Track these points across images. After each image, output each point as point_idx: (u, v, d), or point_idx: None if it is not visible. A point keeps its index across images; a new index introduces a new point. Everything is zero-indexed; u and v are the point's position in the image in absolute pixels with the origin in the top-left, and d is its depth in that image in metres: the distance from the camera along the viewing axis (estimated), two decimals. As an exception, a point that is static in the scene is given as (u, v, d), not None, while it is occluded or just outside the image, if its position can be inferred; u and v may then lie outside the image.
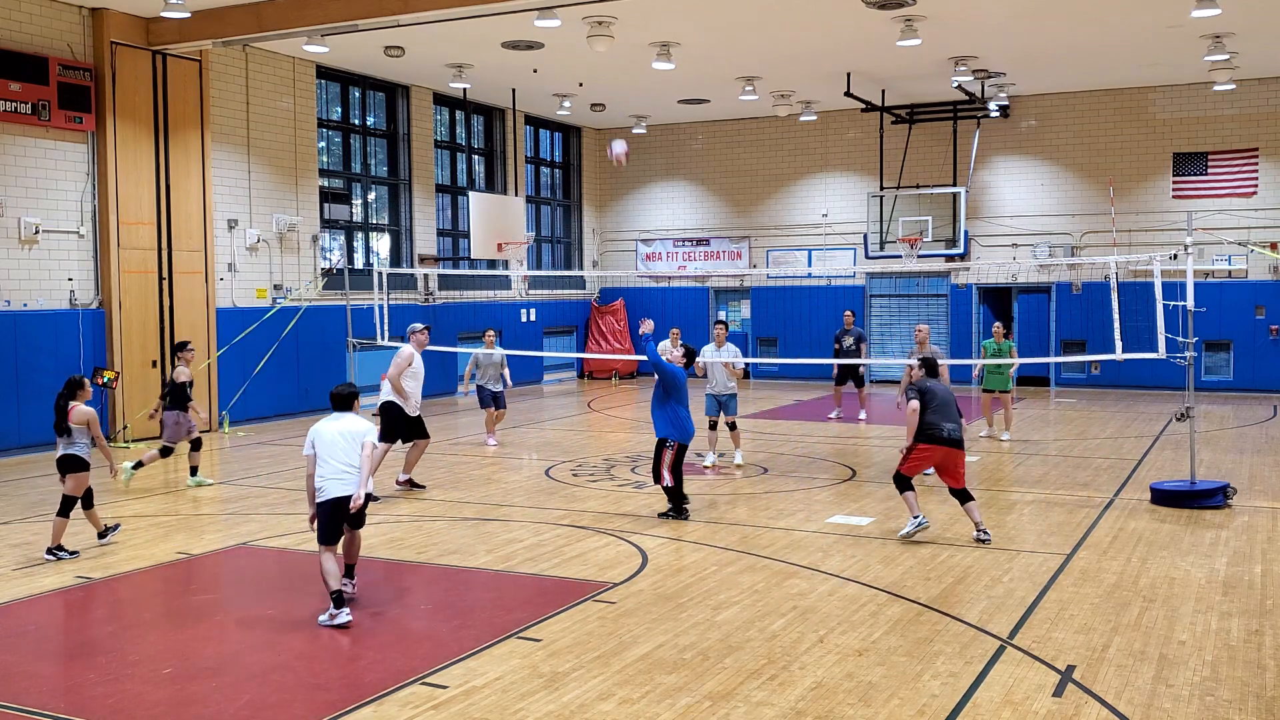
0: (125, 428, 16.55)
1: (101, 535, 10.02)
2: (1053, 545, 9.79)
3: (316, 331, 19.62)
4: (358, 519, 8.16)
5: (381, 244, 22.88)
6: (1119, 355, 13.12)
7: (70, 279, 16.13)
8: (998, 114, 23.62)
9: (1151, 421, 18.24)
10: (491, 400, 15.97)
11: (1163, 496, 11.42)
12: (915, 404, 10.03)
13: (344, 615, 7.66)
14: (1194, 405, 11.69)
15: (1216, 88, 21.54)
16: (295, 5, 15.62)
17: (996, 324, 16.57)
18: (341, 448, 7.97)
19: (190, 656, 7.03)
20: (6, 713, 6.10)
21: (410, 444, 12.69)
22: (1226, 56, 19.08)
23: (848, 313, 19.55)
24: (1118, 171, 23.43)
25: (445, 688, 6.38)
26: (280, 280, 19.43)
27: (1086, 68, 21.26)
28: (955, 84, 21.29)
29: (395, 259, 22.74)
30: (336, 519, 7.97)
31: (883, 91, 22.96)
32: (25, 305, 15.57)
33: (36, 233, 15.61)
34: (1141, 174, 23.30)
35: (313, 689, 6.41)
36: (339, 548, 8.15)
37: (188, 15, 15.28)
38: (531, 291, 26.10)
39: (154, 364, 17.07)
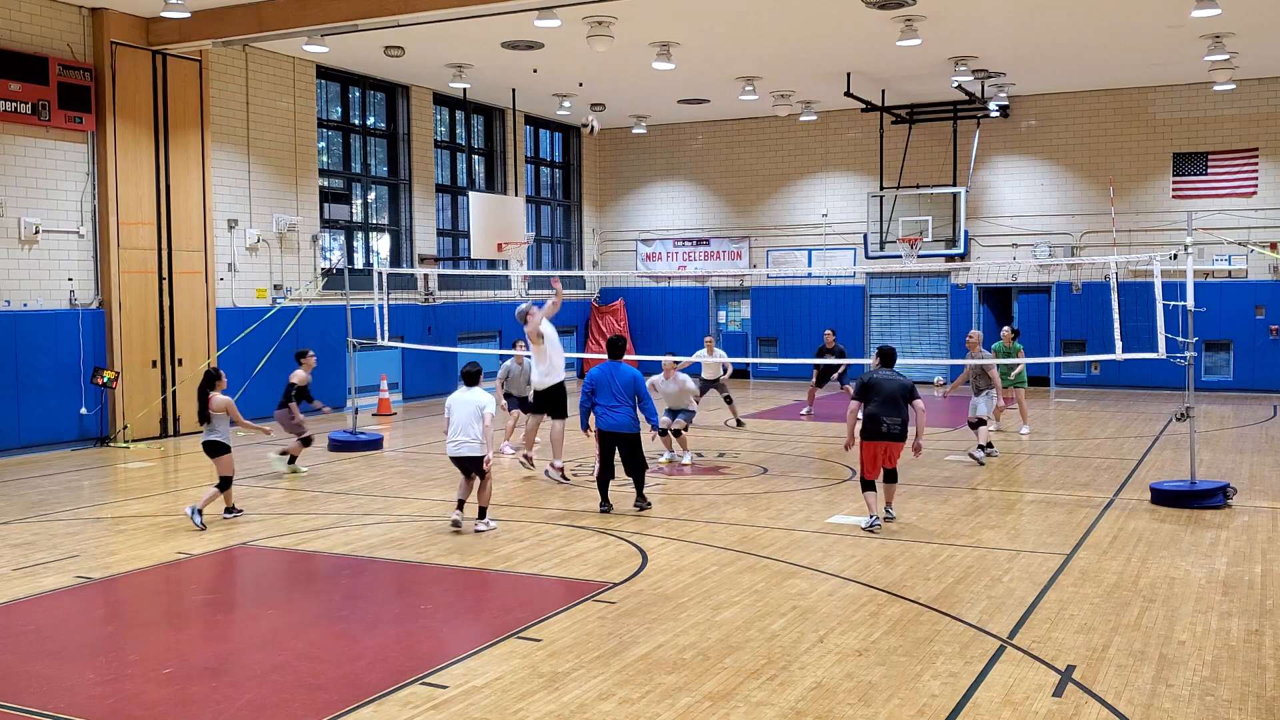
0: (125, 427, 16.54)
1: (232, 510, 11.14)
2: (1053, 545, 9.79)
3: (316, 331, 19.61)
4: (482, 473, 10.45)
5: (381, 244, 22.88)
6: (1119, 355, 13.11)
7: (70, 279, 16.13)
8: (998, 114, 23.62)
9: (1151, 421, 18.24)
10: (520, 405, 15.61)
11: (1163, 496, 11.42)
12: (854, 404, 10.63)
13: (454, 515, 10.54)
14: (1194, 405, 11.68)
15: (1216, 88, 21.54)
16: (295, 5, 15.62)
17: (1005, 328, 16.75)
18: (464, 417, 10.37)
19: (190, 656, 7.03)
20: (6, 713, 6.10)
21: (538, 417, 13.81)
22: (1226, 56, 19.08)
23: (828, 332, 19.82)
24: (1118, 171, 23.43)
25: (445, 688, 6.38)
26: (280, 280, 19.43)
27: (1086, 68, 21.26)
28: (955, 84, 21.29)
29: (395, 259, 22.74)
30: (461, 468, 10.55)
31: (883, 91, 22.96)
32: (25, 305, 15.57)
33: (36, 233, 15.61)
34: (1141, 174, 23.30)
35: (313, 689, 6.41)
36: (472, 491, 10.60)
37: (188, 15, 15.28)
38: (531, 291, 26.08)
39: (154, 364, 17.08)
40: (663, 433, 14.75)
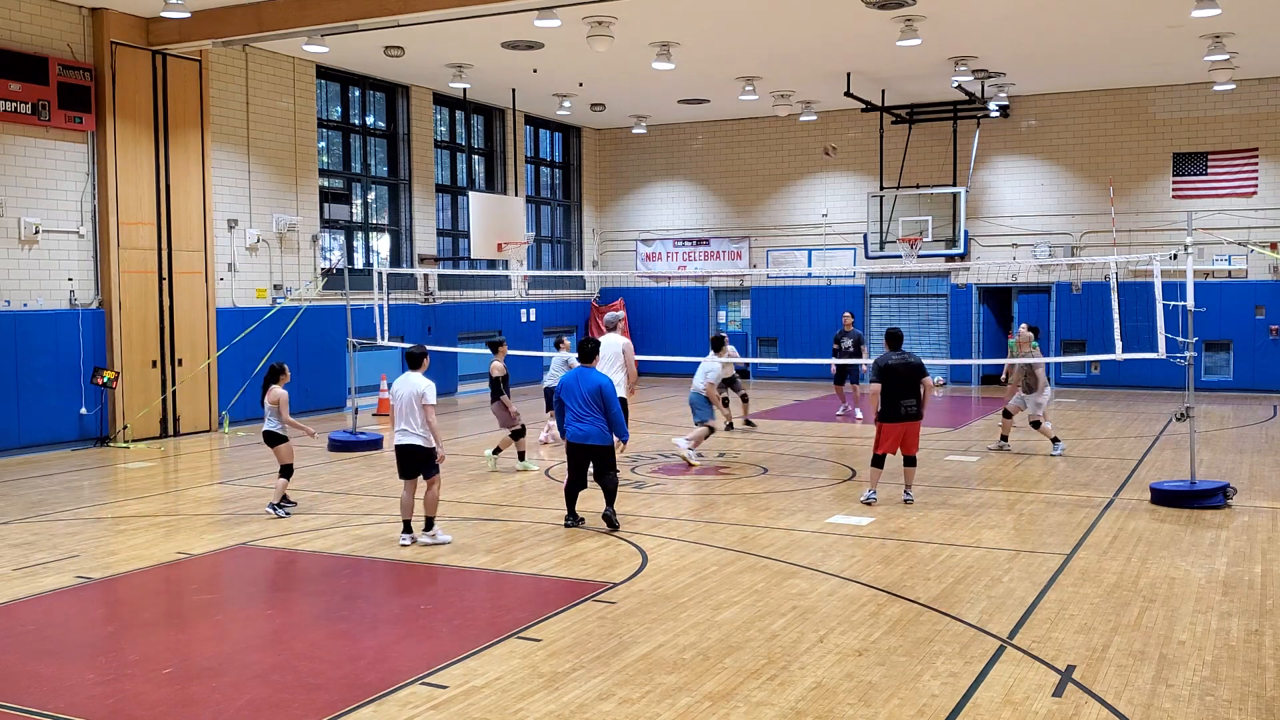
0: (125, 427, 16.54)
1: (280, 505, 11.26)
2: (1053, 545, 9.79)
3: (316, 331, 19.62)
4: (428, 469, 9.84)
5: (381, 244, 22.88)
6: (1119, 355, 13.11)
7: (70, 279, 16.13)
8: (998, 114, 23.61)
9: (1151, 421, 18.24)
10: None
11: (1163, 496, 11.42)
12: (876, 386, 11.42)
13: (404, 539, 9.80)
14: (1194, 405, 11.68)
15: (1216, 88, 21.54)
16: (295, 5, 15.62)
17: (1025, 328, 16.83)
18: (404, 404, 9.80)
19: (190, 656, 7.03)
20: (6, 713, 6.10)
21: None
22: (1226, 56, 19.08)
23: (847, 315, 19.74)
24: (1118, 171, 23.43)
25: (445, 688, 6.38)
26: (280, 280, 19.43)
27: (1086, 68, 21.26)
28: (955, 84, 21.29)
29: (395, 259, 22.74)
30: (401, 462, 9.90)
31: (883, 91, 22.96)
32: (25, 305, 15.57)
33: (36, 233, 15.61)
34: (1141, 174, 23.30)
35: (313, 689, 6.41)
36: (419, 494, 9.95)
37: (188, 15, 15.28)
38: (531, 291, 26.10)
39: (154, 364, 17.07)
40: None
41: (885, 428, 11.49)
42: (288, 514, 11.22)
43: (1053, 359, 23.07)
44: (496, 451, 14.01)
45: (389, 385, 20.90)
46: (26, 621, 7.81)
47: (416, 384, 9.78)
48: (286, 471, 11.37)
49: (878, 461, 11.63)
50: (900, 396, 11.36)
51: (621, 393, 13.36)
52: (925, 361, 11.93)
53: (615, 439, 10.56)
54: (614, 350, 13.65)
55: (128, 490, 12.98)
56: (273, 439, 11.36)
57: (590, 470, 10.63)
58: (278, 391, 11.27)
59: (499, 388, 13.87)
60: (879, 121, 24.57)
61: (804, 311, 26.07)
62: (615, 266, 28.09)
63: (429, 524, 9.90)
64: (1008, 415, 15.37)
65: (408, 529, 9.88)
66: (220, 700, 6.22)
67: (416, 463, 9.86)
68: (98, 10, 16.14)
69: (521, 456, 14.02)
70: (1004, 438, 15.31)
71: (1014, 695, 6.21)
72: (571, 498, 10.68)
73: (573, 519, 10.60)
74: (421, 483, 9.94)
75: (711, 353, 15.90)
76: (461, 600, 8.42)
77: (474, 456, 15.15)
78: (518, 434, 13.89)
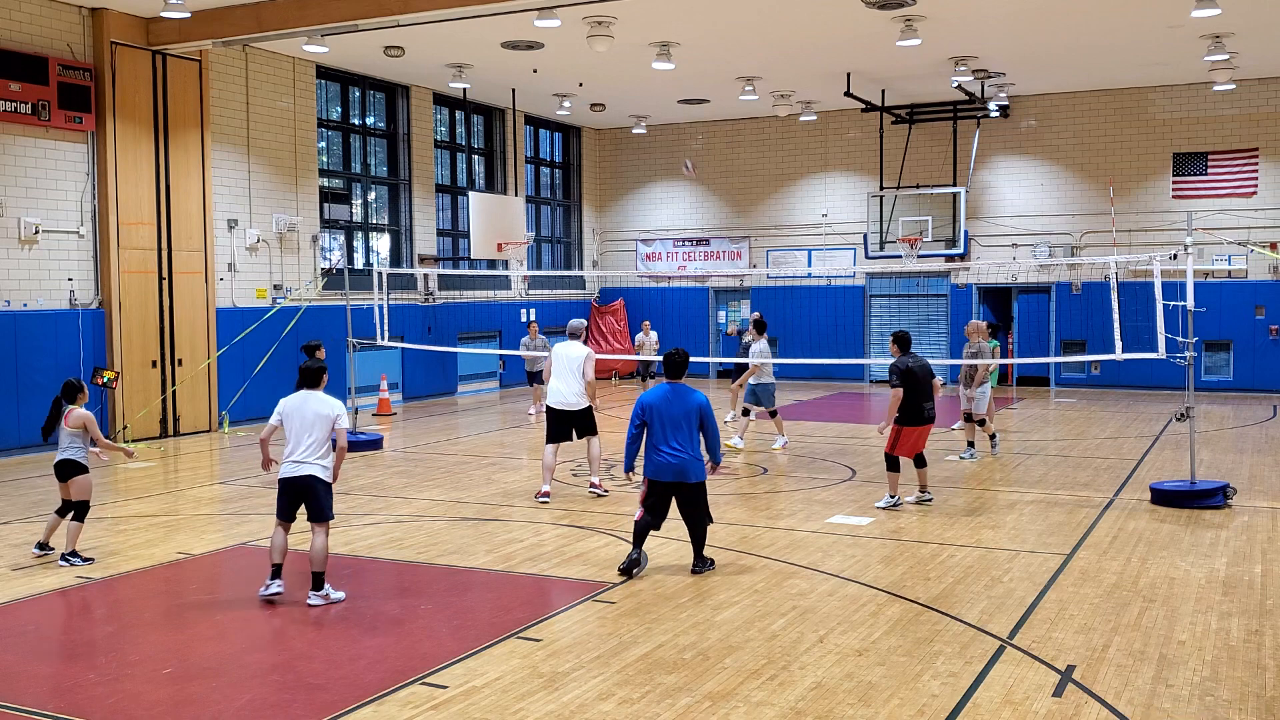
0: (125, 428, 16.54)
1: (68, 554, 9.33)
2: (1053, 545, 9.79)
3: (316, 331, 19.57)
4: (321, 510, 8.22)
5: (381, 244, 22.88)
6: (1119, 355, 13.12)
7: (70, 279, 16.13)
8: (998, 114, 23.62)
9: (1151, 421, 18.24)
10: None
11: (1163, 496, 11.42)
12: (900, 391, 11.22)
13: (273, 586, 8.16)
14: (1194, 405, 11.68)
15: (1216, 88, 21.54)
16: (295, 5, 15.62)
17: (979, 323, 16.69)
18: (304, 427, 8.19)
19: (190, 656, 7.03)
20: (6, 713, 6.10)
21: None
22: (1226, 56, 19.08)
23: (733, 324, 19.36)
24: (1118, 171, 23.43)
25: (445, 688, 6.38)
26: (280, 280, 19.43)
27: (1086, 68, 21.26)
28: (955, 84, 21.29)
29: (395, 259, 22.74)
30: (288, 498, 8.25)
31: (883, 91, 22.96)
32: (25, 305, 15.57)
33: (36, 233, 15.61)
34: (1141, 174, 23.30)
35: (313, 689, 6.41)
36: (286, 541, 8.35)
37: (188, 15, 15.28)
38: (531, 291, 26.10)
39: (154, 364, 17.08)
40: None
41: (906, 431, 11.30)
42: (90, 562, 9.37)
43: (1052, 359, 23.15)
44: None
45: (375, 388, 21.11)
46: (26, 621, 7.82)
47: (324, 405, 8.20)
48: (81, 511, 9.40)
49: (894, 465, 11.40)
50: (922, 399, 11.29)
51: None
52: (928, 362, 11.82)
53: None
54: (573, 360, 11.97)
55: (128, 490, 12.97)
56: (72, 470, 9.37)
57: (675, 510, 8.92)
58: (82, 413, 9.38)
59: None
60: (879, 121, 24.57)
61: (804, 312, 26.07)
62: (615, 266, 28.09)
63: (318, 581, 8.14)
64: (968, 419, 14.67)
65: (277, 574, 8.19)
66: (220, 700, 6.22)
67: (311, 500, 8.18)
68: (98, 10, 16.14)
69: None
70: (971, 443, 14.65)
71: (1014, 695, 6.21)
72: (644, 537, 8.90)
73: (637, 558, 8.79)
74: (313, 528, 8.27)
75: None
76: (461, 600, 8.42)
77: (474, 457, 15.17)
78: None
